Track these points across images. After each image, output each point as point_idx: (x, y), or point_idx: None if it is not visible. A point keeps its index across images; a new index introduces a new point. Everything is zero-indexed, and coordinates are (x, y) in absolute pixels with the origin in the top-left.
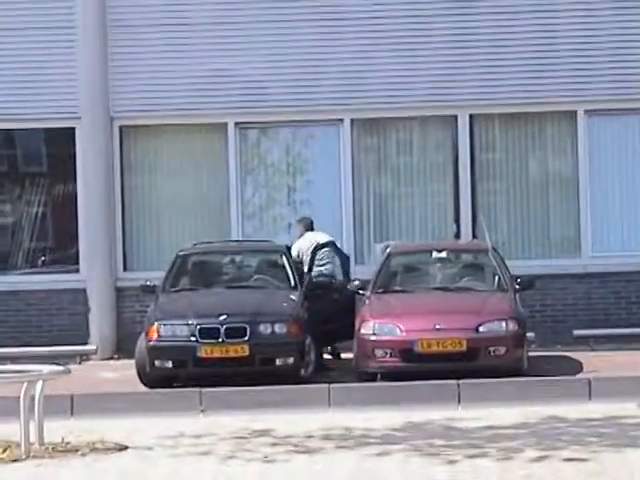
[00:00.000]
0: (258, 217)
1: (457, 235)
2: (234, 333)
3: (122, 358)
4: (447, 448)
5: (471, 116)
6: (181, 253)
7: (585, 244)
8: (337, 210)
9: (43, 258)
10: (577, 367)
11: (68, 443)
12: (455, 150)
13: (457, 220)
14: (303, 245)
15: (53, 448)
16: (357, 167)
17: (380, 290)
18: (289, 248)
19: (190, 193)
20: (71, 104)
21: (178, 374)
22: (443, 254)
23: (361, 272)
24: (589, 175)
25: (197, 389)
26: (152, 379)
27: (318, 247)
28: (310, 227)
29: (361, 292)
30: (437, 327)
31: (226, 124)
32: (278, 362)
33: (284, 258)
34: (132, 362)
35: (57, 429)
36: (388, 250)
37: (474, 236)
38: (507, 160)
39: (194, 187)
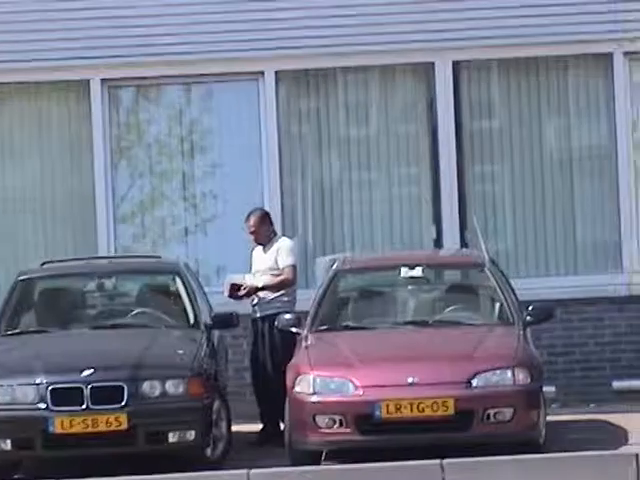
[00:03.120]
0: (139, 220)
1: (437, 242)
2: (105, 396)
3: None
4: None
5: (456, 64)
6: (23, 277)
7: (628, 253)
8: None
9: None
10: (619, 436)
11: None
12: (433, 115)
13: (437, 220)
14: (255, 256)
15: None
16: (287, 143)
17: (323, 327)
18: (187, 266)
19: (36, 186)
20: None
21: (20, 460)
22: (417, 271)
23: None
24: (633, 149)
25: None
26: None
27: None
28: (269, 220)
29: (294, 330)
30: (410, 381)
31: (88, 82)
32: (172, 438)
33: (178, 281)
34: None
35: None
36: (335, 267)
37: (463, 244)
38: (510, 129)
39: (42, 177)
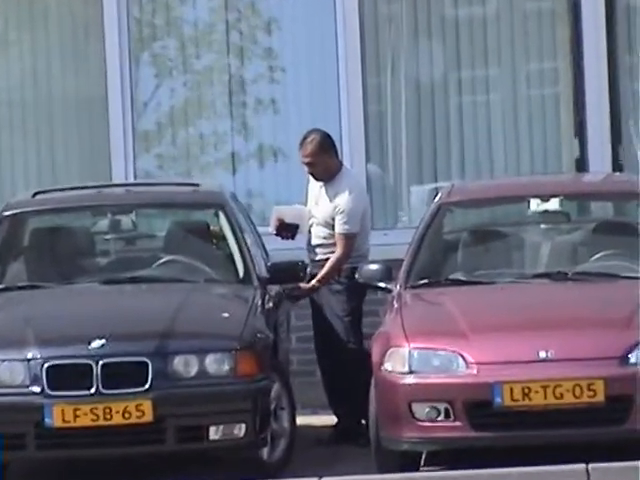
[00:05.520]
0: (168, 136)
1: (581, 164)
2: (122, 376)
3: None
4: None
5: None
6: (8, 212)
7: None
8: (331, 119)
9: None
10: None
11: None
12: None
13: (581, 133)
14: (310, 190)
15: None
16: (372, 29)
17: (423, 281)
18: (235, 198)
19: (27, 89)
20: None
21: (6, 464)
22: (553, 204)
23: (383, 247)
24: None
25: None
26: None
27: None
28: (332, 146)
29: (383, 286)
30: (542, 356)
31: None
32: (214, 434)
33: (223, 218)
34: None
35: None
36: (438, 199)
37: (616, 166)
38: None
39: (35, 76)
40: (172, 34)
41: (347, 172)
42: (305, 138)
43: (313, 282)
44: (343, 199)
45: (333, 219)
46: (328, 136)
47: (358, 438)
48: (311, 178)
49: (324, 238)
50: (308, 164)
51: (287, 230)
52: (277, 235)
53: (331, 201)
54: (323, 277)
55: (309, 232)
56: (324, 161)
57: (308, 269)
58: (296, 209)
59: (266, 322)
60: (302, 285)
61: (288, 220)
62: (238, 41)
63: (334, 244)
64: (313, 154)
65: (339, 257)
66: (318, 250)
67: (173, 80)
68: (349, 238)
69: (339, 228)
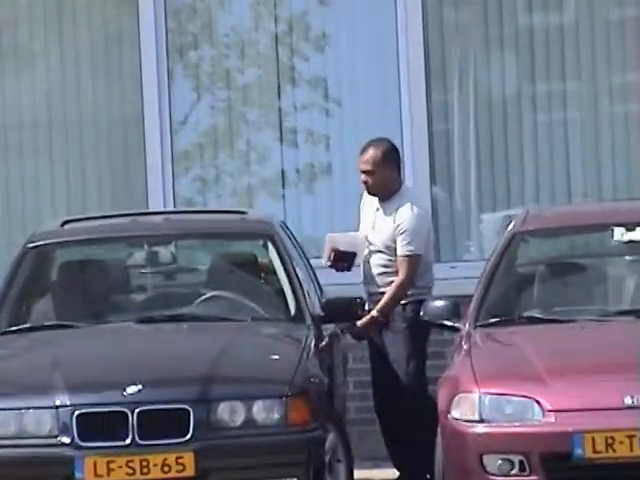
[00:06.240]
0: (209, 157)
1: None
2: (161, 426)
3: None
4: None
5: None
6: (34, 244)
7: None
8: (392, 138)
9: None
10: None
11: None
12: None
13: None
14: (365, 214)
15: None
16: (438, 40)
17: (494, 319)
18: (285, 227)
19: (54, 106)
20: None
21: None
22: (639, 233)
23: (450, 281)
24: None
25: None
26: None
27: None
28: (396, 161)
29: (449, 325)
30: (628, 402)
31: None
32: None
33: (272, 250)
34: None
35: None
36: (511, 227)
37: None
38: None
39: (63, 92)
40: (212, 44)
41: (408, 190)
42: (369, 144)
43: (373, 312)
44: (405, 216)
45: (394, 242)
46: (395, 149)
47: None
48: (365, 199)
49: (385, 266)
50: (365, 172)
51: (343, 260)
52: (332, 267)
53: (391, 220)
54: (385, 306)
55: (367, 262)
56: (383, 173)
57: (366, 306)
58: (351, 236)
59: (320, 365)
60: (360, 321)
61: (343, 248)
62: (286, 54)
63: (397, 272)
64: (374, 162)
65: (402, 282)
66: (378, 280)
67: (212, 94)
68: (414, 260)
69: (402, 249)
